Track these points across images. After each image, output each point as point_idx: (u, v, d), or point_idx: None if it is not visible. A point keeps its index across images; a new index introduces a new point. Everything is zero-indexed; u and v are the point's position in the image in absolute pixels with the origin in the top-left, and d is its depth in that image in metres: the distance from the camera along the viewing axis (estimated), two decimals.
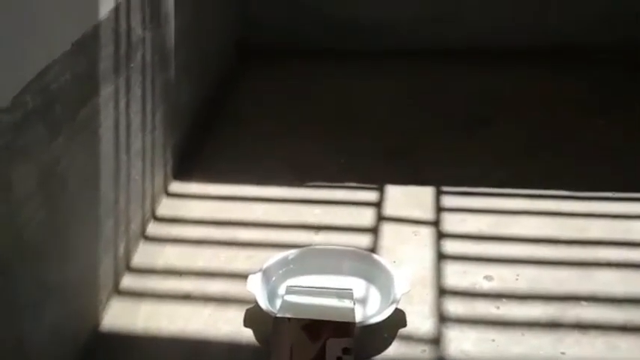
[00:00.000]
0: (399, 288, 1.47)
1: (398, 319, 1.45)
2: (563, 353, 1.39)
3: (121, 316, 1.49)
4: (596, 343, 1.41)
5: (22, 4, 1.10)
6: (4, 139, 1.06)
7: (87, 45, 1.34)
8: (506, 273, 1.60)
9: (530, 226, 1.77)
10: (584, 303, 1.51)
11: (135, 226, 1.68)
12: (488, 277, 1.59)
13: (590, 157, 2.07)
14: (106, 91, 1.45)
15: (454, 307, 1.51)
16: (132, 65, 1.60)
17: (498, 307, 1.51)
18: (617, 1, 2.63)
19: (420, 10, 2.70)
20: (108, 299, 1.52)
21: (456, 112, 2.36)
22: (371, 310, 1.48)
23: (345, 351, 1.31)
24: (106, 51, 1.44)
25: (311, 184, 1.97)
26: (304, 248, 1.63)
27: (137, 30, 1.63)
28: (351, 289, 1.50)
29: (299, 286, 1.51)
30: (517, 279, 1.59)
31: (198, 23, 2.18)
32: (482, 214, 1.83)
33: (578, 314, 1.48)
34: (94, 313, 1.46)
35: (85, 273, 1.41)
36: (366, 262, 1.59)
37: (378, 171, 2.03)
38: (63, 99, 1.25)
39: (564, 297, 1.53)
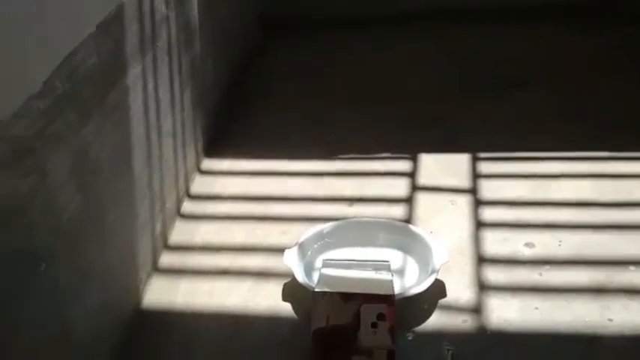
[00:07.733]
0: (438, 258, 1.45)
1: (437, 289, 1.43)
2: (610, 320, 1.35)
3: (161, 293, 1.51)
4: None
5: None
6: (37, 125, 1.06)
7: (112, 26, 1.33)
8: (548, 239, 1.56)
9: (571, 189, 1.72)
10: (631, 267, 1.46)
11: (170, 205, 1.69)
12: (529, 244, 1.56)
13: (629, 116, 1.99)
14: (134, 72, 1.45)
15: (495, 275, 1.48)
16: (157, 45, 1.58)
17: (541, 274, 1.47)
18: None
19: None
20: (147, 278, 1.54)
21: (487, 76, 2.29)
22: (409, 282, 1.46)
23: (380, 317, 1.29)
24: (131, 31, 1.43)
25: (342, 156, 1.94)
26: (339, 221, 1.62)
27: (161, 8, 1.61)
28: (388, 261, 1.48)
29: (336, 260, 1.50)
30: (560, 245, 1.54)
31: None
32: (520, 179, 1.78)
33: (626, 279, 1.43)
34: (135, 292, 1.48)
35: (123, 253, 1.43)
36: (402, 234, 1.57)
37: (410, 139, 1.98)
38: (91, 82, 1.24)
39: (610, 262, 1.48)
